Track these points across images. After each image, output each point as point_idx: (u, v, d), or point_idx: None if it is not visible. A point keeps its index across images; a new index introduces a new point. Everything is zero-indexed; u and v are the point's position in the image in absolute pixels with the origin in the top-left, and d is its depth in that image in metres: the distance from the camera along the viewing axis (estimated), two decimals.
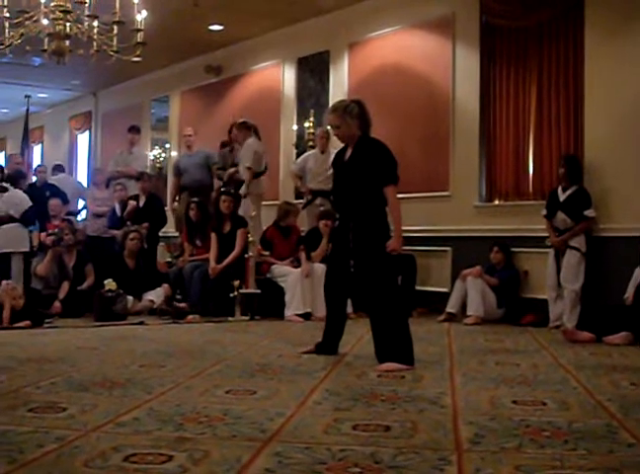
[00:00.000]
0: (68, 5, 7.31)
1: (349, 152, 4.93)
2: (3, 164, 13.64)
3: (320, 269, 7.07)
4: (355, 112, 4.85)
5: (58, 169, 11.97)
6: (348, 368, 4.50)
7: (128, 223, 8.92)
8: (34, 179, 11.20)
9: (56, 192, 10.15)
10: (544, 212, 7.27)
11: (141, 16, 7.55)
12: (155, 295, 8.06)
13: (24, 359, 4.68)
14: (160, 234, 9.78)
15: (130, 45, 7.62)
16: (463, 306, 7.63)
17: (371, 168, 4.75)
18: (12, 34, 7.49)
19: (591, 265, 7.03)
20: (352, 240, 4.80)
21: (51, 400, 3.38)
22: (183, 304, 7.93)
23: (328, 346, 5.02)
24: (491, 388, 3.83)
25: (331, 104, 9.20)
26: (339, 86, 9.83)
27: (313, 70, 10.34)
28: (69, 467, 2.34)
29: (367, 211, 4.76)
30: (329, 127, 6.22)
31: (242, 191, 8.72)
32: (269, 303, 7.89)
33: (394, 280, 5.04)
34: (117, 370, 4.30)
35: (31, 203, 8.45)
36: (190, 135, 10.09)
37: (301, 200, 9.13)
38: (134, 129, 10.97)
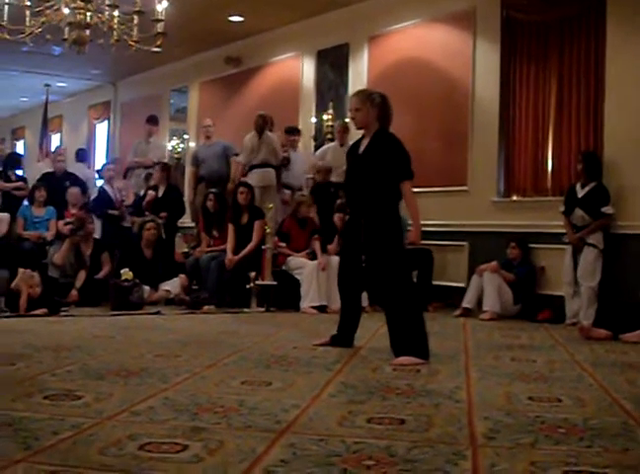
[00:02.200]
0: None
1: (363, 145, 4.91)
2: (22, 152, 13.66)
3: (336, 261, 7.03)
4: (377, 101, 4.86)
5: (79, 156, 12.00)
6: (363, 361, 4.50)
7: (147, 213, 8.94)
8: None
9: (76, 181, 10.17)
10: (562, 209, 7.23)
11: (162, 6, 7.57)
12: (172, 285, 8.09)
13: (40, 347, 4.71)
14: (177, 225, 9.80)
15: (150, 36, 7.63)
16: (479, 301, 7.60)
17: (386, 162, 4.74)
18: (33, 22, 7.52)
19: (608, 262, 6.98)
20: (363, 235, 4.80)
21: (67, 388, 3.40)
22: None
23: (343, 338, 5.02)
24: (506, 384, 3.82)
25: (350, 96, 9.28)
26: (358, 79, 9.80)
27: (333, 63, 10.32)
28: (84, 455, 2.35)
29: (379, 206, 4.75)
30: (346, 119, 6.20)
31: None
32: (284, 295, 7.89)
33: (408, 274, 5.03)
34: (132, 359, 4.32)
35: None
36: (209, 126, 10.12)
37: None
38: (152, 120, 11.02)
